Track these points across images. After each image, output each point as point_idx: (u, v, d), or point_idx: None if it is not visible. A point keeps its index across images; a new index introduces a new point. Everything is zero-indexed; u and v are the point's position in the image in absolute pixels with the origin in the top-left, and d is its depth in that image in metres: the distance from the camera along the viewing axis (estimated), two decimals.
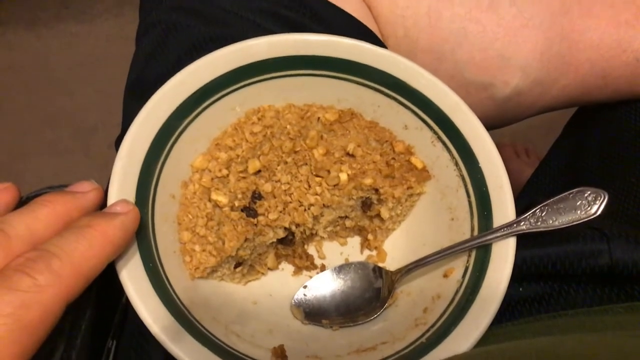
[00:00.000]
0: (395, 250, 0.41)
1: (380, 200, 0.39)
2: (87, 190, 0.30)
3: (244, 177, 0.37)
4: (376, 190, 0.38)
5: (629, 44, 0.44)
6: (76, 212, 0.28)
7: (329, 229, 0.40)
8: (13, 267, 0.24)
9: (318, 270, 0.40)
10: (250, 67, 0.37)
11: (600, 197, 0.34)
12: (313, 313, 0.37)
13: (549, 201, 0.34)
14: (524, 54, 0.43)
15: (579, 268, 0.35)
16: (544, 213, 0.34)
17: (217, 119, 0.38)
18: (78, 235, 0.26)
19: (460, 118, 0.37)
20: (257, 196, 0.36)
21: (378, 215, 0.39)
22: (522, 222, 0.34)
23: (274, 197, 0.36)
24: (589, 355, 0.26)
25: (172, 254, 0.34)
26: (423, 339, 0.33)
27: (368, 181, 0.37)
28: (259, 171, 0.37)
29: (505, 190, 0.35)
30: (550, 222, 0.34)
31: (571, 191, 0.34)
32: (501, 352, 0.27)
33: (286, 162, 0.37)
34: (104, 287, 0.30)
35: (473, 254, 0.35)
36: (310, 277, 0.40)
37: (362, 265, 0.39)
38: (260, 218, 0.36)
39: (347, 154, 0.38)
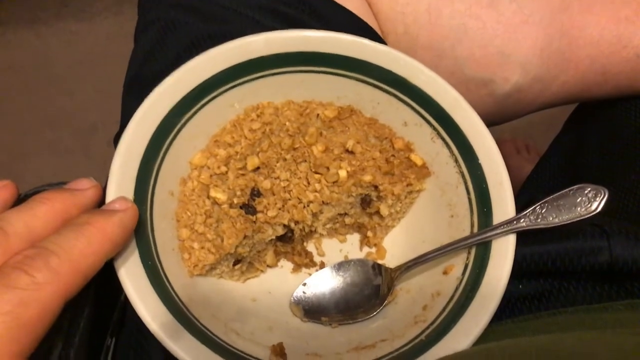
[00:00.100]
0: (395, 248, 0.41)
1: (379, 197, 0.39)
2: (85, 188, 0.29)
3: (242, 174, 0.37)
4: (375, 187, 0.38)
5: (629, 40, 0.44)
6: (75, 209, 0.28)
7: (328, 226, 0.40)
8: (11, 265, 0.24)
9: (317, 267, 0.40)
10: (249, 64, 0.37)
11: (601, 194, 0.33)
12: (312, 310, 0.37)
13: (549, 198, 0.34)
14: (524, 51, 0.43)
15: (579, 265, 0.35)
16: (544, 210, 0.34)
17: (216, 116, 0.38)
18: (76, 233, 0.26)
19: (460, 114, 0.37)
20: (256, 193, 0.36)
21: (377, 212, 0.39)
22: (522, 219, 0.34)
23: (273, 194, 0.36)
24: (588, 353, 0.26)
25: (170, 251, 0.34)
26: (422, 337, 0.33)
27: (367, 178, 0.37)
28: (258, 168, 0.37)
29: (505, 187, 0.35)
30: (550, 219, 0.34)
31: (571, 188, 0.34)
32: (501, 349, 0.27)
33: (285, 159, 0.37)
34: (103, 284, 0.30)
35: (473, 251, 0.35)
36: (310, 274, 0.39)
37: (361, 263, 0.39)
38: (259, 215, 0.36)
39: (347, 150, 0.38)
